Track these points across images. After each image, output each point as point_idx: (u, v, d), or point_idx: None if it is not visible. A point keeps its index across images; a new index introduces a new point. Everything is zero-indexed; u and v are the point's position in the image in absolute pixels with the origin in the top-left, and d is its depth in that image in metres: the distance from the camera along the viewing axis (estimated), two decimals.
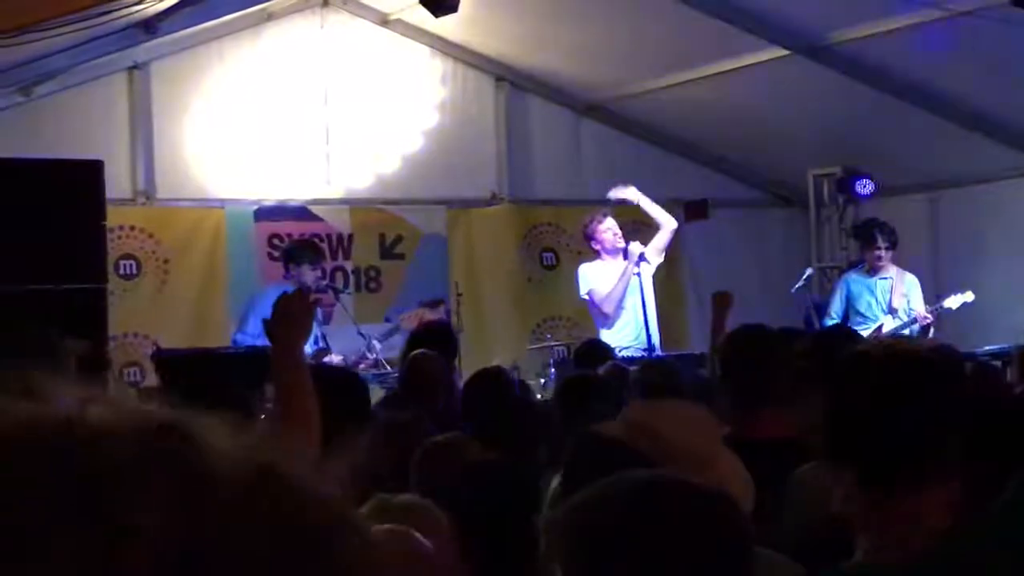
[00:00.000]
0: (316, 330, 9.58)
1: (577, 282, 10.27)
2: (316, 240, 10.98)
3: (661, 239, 10.24)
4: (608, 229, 10.05)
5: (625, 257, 9.90)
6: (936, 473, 2.18)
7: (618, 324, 9.87)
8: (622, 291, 9.82)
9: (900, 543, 2.15)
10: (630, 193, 10.32)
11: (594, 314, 10.14)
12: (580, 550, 1.85)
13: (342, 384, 4.51)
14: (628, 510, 1.85)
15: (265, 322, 3.58)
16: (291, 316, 3.50)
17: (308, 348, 9.18)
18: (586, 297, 10.11)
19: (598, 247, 10.09)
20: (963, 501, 2.19)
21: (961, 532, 2.14)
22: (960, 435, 2.20)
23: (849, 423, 2.24)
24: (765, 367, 4.45)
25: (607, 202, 11.57)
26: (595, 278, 10.04)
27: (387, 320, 10.74)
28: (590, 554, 1.84)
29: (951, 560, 2.12)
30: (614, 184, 10.71)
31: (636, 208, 10.61)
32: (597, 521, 1.85)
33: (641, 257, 9.84)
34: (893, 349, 2.37)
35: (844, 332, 5.90)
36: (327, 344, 9.83)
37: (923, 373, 2.23)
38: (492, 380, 5.59)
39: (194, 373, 5.09)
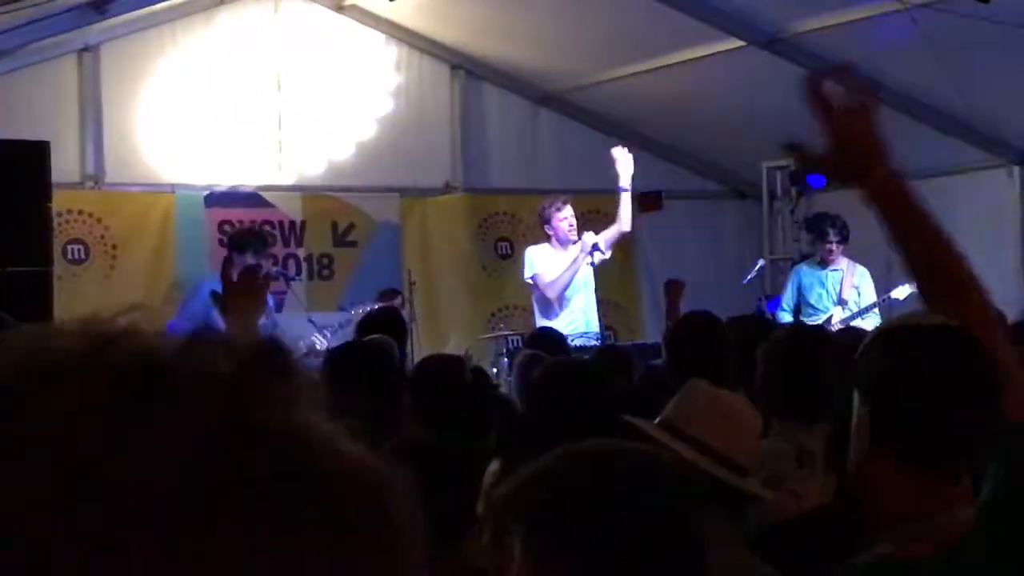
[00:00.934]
0: (269, 317, 9.51)
1: (525, 263, 10.16)
2: (265, 228, 10.86)
3: (610, 233, 10.13)
4: (565, 218, 9.92)
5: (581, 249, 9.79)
6: (970, 463, 2.15)
7: (565, 313, 9.77)
8: (568, 279, 9.71)
9: (937, 534, 2.10)
10: (627, 161, 10.10)
11: (536, 299, 9.98)
12: (543, 522, 1.87)
13: None
14: (586, 478, 1.90)
15: (217, 296, 3.52)
16: (246, 290, 3.50)
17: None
18: (530, 281, 10.00)
19: (551, 232, 9.99)
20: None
21: (984, 524, 2.11)
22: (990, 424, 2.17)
23: (901, 408, 2.16)
24: (712, 351, 4.47)
25: (563, 192, 11.53)
26: (542, 262, 9.88)
27: (341, 309, 10.65)
28: (554, 524, 1.87)
29: (981, 551, 2.09)
30: (569, 174, 10.66)
31: (593, 199, 10.55)
32: (557, 492, 1.89)
33: (595, 247, 9.77)
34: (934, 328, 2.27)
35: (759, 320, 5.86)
36: (279, 329, 9.73)
37: (979, 358, 2.17)
38: (441, 365, 5.54)
39: None
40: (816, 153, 2.51)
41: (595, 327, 9.67)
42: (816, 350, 4.04)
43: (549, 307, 9.85)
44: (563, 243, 9.92)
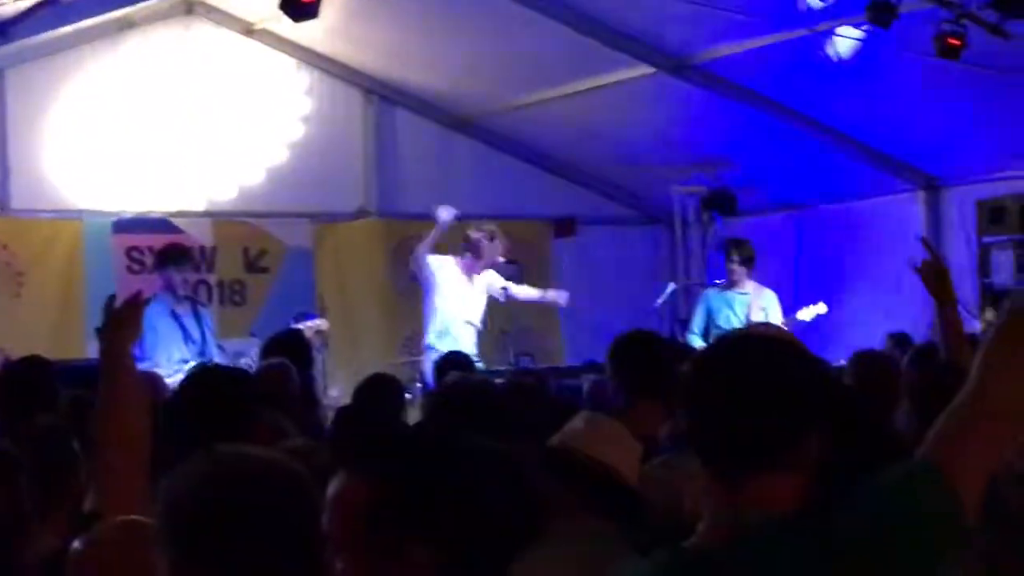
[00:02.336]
0: (203, 339, 9.38)
1: (421, 263, 10.17)
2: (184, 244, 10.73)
3: (528, 294, 10.44)
4: (496, 250, 10.08)
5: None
6: (784, 463, 2.16)
7: (456, 340, 9.86)
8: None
9: (736, 525, 2.13)
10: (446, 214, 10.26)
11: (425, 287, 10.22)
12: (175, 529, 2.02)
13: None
14: (212, 487, 2.03)
15: (98, 330, 3.67)
16: (119, 319, 3.59)
17: (192, 355, 9.02)
18: (428, 270, 10.11)
19: (469, 256, 10.07)
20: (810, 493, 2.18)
21: (792, 517, 2.13)
22: (813, 428, 2.17)
23: (698, 411, 2.23)
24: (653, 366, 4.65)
25: (477, 218, 11.54)
26: (443, 270, 10.07)
27: (253, 335, 10.53)
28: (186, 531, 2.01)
29: (772, 542, 2.10)
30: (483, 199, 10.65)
31: (506, 224, 10.59)
32: (181, 500, 2.03)
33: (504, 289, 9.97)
34: (748, 339, 2.36)
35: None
36: (212, 355, 9.60)
37: (783, 360, 2.23)
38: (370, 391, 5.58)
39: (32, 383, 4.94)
40: None
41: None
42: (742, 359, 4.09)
43: (441, 327, 10.04)
44: (474, 270, 10.03)
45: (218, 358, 8.99)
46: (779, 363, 2.21)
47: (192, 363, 8.73)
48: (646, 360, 4.77)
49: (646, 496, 3.41)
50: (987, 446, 2.22)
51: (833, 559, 2.10)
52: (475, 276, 10.10)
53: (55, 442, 4.07)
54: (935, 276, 4.65)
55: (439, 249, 10.26)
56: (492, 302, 10.29)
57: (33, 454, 4.15)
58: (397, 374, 10.36)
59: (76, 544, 2.39)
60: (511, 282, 10.25)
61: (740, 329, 2.44)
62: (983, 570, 3.09)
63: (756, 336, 2.36)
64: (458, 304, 10.02)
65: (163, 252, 9.83)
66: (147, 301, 3.83)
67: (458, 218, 10.40)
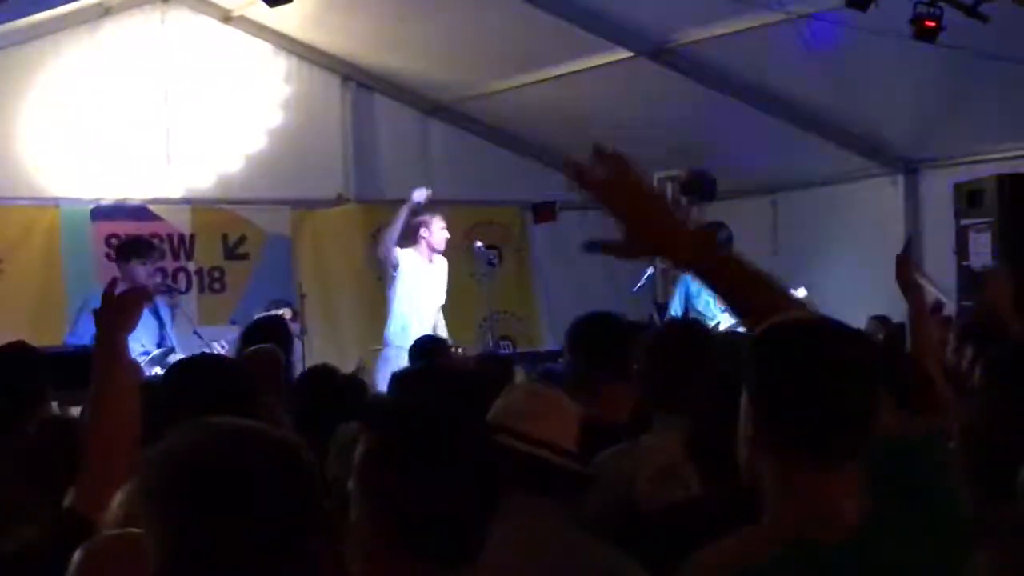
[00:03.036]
0: (162, 329, 9.36)
1: (394, 258, 10.31)
2: (150, 238, 10.68)
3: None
4: (443, 228, 10.30)
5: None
6: (848, 452, 2.18)
7: (421, 323, 10.01)
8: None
9: (832, 521, 2.14)
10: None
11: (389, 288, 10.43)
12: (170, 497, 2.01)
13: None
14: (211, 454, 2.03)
15: (95, 311, 3.59)
16: (119, 305, 3.54)
17: (152, 346, 9.02)
18: (393, 273, 10.33)
19: (425, 236, 10.26)
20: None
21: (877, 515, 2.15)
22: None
23: (779, 401, 2.19)
24: (613, 349, 4.55)
25: (456, 203, 11.58)
26: (405, 262, 10.28)
27: (233, 322, 10.52)
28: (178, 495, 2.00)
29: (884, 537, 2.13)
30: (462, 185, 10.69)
31: (485, 210, 10.64)
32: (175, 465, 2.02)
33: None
34: (825, 325, 2.30)
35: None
36: (172, 344, 9.59)
37: (859, 351, 2.23)
38: (315, 375, 5.54)
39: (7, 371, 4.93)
40: (618, 241, 2.49)
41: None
42: (695, 342, 4.08)
43: (399, 317, 10.26)
44: (430, 251, 10.28)
45: (179, 347, 8.98)
46: (863, 347, 2.23)
47: (153, 353, 8.75)
48: (610, 343, 4.66)
49: (601, 482, 3.41)
50: None
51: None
52: (431, 259, 10.33)
53: (49, 434, 4.06)
54: (903, 267, 4.84)
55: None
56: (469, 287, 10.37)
57: (25, 444, 4.16)
58: (377, 361, 10.48)
59: (77, 554, 2.38)
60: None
61: (802, 314, 2.37)
62: None
63: (827, 321, 2.30)
64: (423, 295, 10.19)
65: (124, 246, 9.75)
66: (149, 295, 3.83)
67: (432, 201, 10.45)
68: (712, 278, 2.45)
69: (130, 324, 3.57)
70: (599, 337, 4.70)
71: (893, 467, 2.23)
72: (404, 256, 10.31)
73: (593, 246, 2.54)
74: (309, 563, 2.00)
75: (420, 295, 10.24)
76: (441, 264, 10.44)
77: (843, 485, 2.16)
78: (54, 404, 5.47)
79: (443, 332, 10.06)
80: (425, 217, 10.34)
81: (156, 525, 2.00)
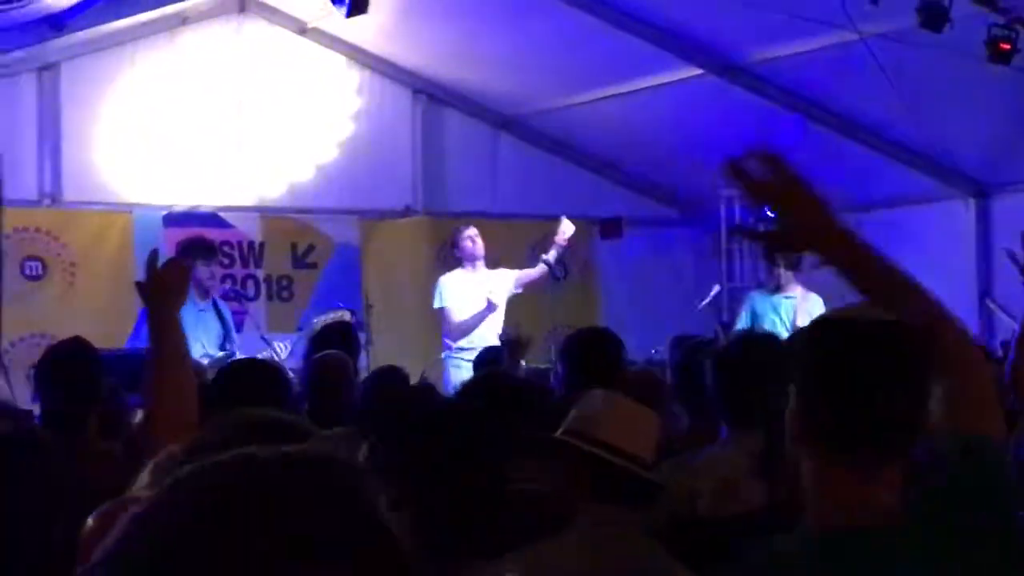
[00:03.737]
0: (225, 333, 9.45)
1: (435, 293, 10.36)
2: (224, 248, 10.78)
3: (531, 275, 10.33)
4: (468, 237, 10.26)
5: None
6: (891, 451, 2.18)
7: (466, 340, 10.01)
8: (470, 327, 10.07)
9: (865, 513, 2.14)
10: (567, 232, 10.29)
11: (444, 330, 10.39)
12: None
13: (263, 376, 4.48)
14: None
15: (139, 284, 3.52)
16: (166, 281, 3.49)
17: (214, 348, 9.12)
18: (438, 308, 10.35)
19: (459, 255, 10.28)
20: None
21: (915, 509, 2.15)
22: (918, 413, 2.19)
23: (827, 399, 2.19)
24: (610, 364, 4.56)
25: (523, 217, 11.62)
26: (452, 292, 10.24)
27: (300, 330, 10.62)
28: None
29: (917, 532, 2.13)
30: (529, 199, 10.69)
31: (552, 224, 10.60)
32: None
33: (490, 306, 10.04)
34: (866, 323, 2.29)
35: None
36: (234, 350, 9.68)
37: (908, 351, 2.22)
38: (384, 377, 5.57)
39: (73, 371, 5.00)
40: (771, 231, 2.52)
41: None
42: (765, 356, 4.05)
43: (451, 335, 10.26)
44: (470, 260, 10.23)
45: (245, 352, 9.04)
46: (907, 346, 2.21)
47: (217, 355, 8.82)
48: (605, 358, 4.75)
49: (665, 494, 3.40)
50: None
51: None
52: (476, 266, 10.26)
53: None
54: None
55: (489, 263, 10.38)
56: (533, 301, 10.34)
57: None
58: (438, 371, 10.53)
59: (89, 519, 2.40)
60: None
61: (844, 312, 2.38)
62: None
63: (870, 319, 2.29)
64: (472, 304, 10.15)
65: (188, 246, 9.78)
66: (190, 268, 3.76)
67: (498, 214, 10.52)
68: (859, 276, 2.47)
69: (178, 297, 3.50)
70: (594, 351, 4.77)
71: (945, 465, 2.24)
72: (448, 284, 10.30)
73: (742, 230, 2.59)
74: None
75: (468, 309, 10.17)
76: (484, 270, 10.29)
77: (883, 481, 2.16)
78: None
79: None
80: (454, 234, 10.39)
81: None
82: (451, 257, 10.57)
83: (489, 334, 10.00)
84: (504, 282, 10.29)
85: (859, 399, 2.15)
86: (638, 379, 5.13)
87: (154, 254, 3.62)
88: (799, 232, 2.46)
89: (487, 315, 10.00)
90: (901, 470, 2.17)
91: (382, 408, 4.87)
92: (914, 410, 2.17)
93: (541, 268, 10.23)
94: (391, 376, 5.57)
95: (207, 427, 2.11)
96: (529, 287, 10.35)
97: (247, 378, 4.31)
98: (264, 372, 4.54)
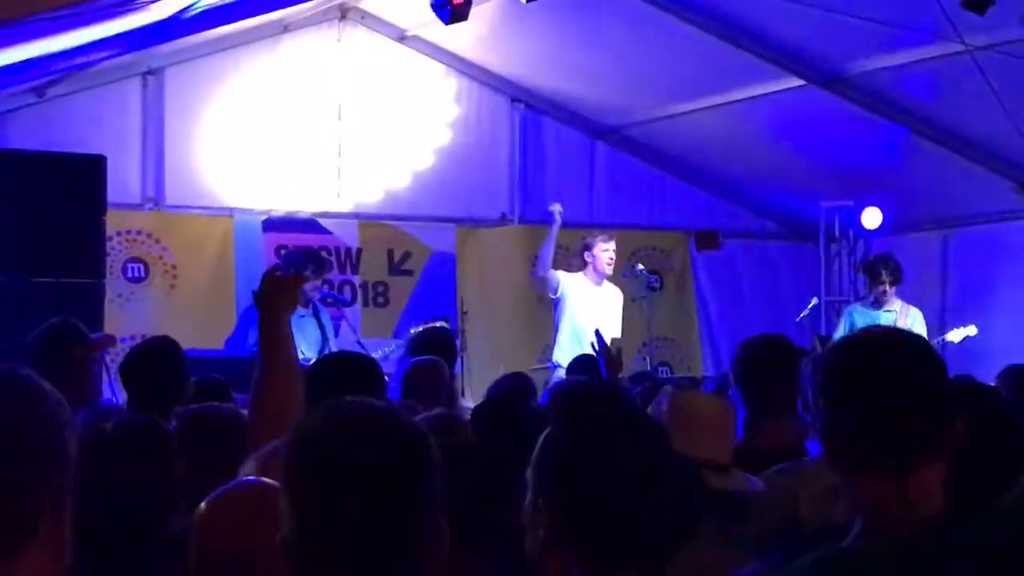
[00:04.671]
0: (324, 339, 9.55)
1: (552, 281, 10.43)
2: (322, 252, 10.88)
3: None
4: (607, 251, 10.25)
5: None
6: (940, 450, 2.18)
7: (582, 348, 9.96)
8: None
9: (899, 525, 2.13)
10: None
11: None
12: None
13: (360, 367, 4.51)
14: None
15: (254, 293, 3.68)
16: (278, 288, 3.63)
17: (313, 354, 9.20)
18: (553, 297, 10.43)
19: (589, 261, 10.30)
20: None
21: (960, 519, 2.13)
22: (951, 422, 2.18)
23: (868, 414, 2.20)
24: (783, 374, 4.43)
25: (619, 228, 11.59)
26: (572, 287, 10.31)
27: (396, 337, 10.68)
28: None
29: (953, 545, 2.09)
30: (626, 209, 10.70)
31: (647, 234, 10.60)
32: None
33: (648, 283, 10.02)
34: (882, 336, 2.34)
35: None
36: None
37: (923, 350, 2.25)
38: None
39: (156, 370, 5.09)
40: None
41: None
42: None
43: (566, 341, 10.25)
44: (598, 275, 10.15)
45: None
46: (924, 354, 2.23)
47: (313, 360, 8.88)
48: (779, 369, 4.51)
49: (765, 499, 3.33)
50: None
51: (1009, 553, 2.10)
52: (601, 284, 10.30)
53: (214, 420, 4.14)
54: None
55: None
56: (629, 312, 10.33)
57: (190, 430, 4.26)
58: (535, 380, 10.53)
59: (201, 505, 2.44)
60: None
61: (864, 331, 2.40)
62: None
63: (885, 332, 2.35)
64: (590, 319, 10.06)
65: (303, 258, 9.91)
66: (305, 278, 3.90)
67: (595, 224, 10.52)
68: None
69: (289, 305, 3.65)
70: (770, 366, 4.53)
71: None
72: (570, 280, 10.33)
73: None
74: (423, 539, 2.02)
75: (587, 319, 10.08)
76: (612, 291, 10.42)
77: (911, 493, 2.15)
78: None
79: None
80: (590, 240, 10.36)
81: (285, 497, 2.05)
82: (575, 264, 10.52)
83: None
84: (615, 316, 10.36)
85: (866, 415, 2.17)
86: None
87: (274, 269, 3.86)
88: None
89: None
90: (938, 482, 2.16)
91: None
92: (925, 419, 2.17)
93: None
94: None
95: (307, 416, 2.12)
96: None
97: (343, 368, 4.34)
98: (359, 363, 4.57)
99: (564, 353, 10.02)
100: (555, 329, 10.44)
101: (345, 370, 4.31)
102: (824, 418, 2.24)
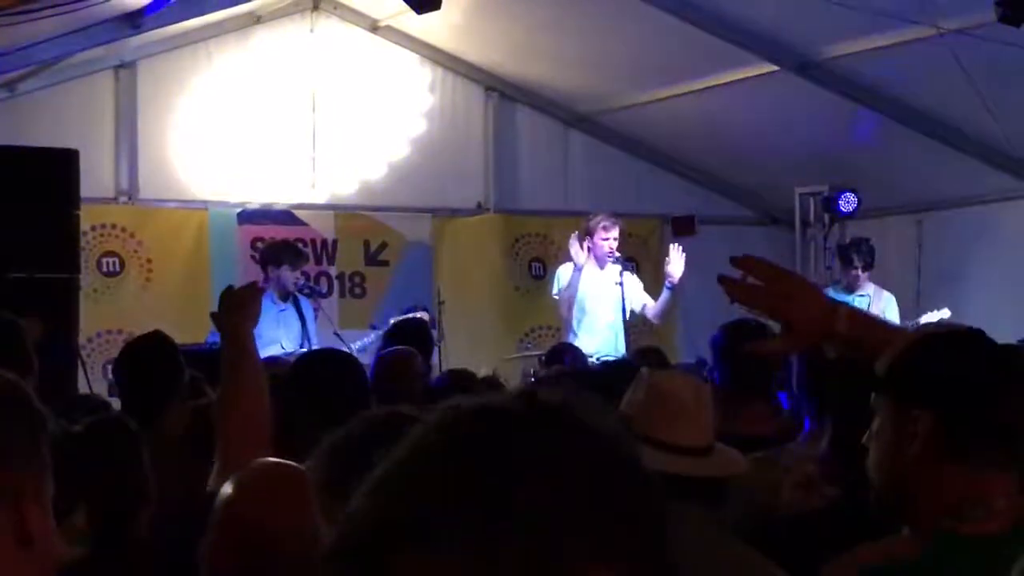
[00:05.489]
0: (304, 331, 9.54)
1: (552, 281, 10.32)
2: (297, 243, 10.87)
3: (649, 306, 10.23)
4: (607, 239, 9.96)
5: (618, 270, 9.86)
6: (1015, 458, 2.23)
7: (590, 335, 9.84)
8: (573, 295, 9.90)
9: (1002, 515, 2.18)
10: (679, 263, 10.10)
11: (563, 318, 10.21)
12: None
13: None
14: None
15: (213, 314, 3.68)
16: (237, 304, 3.61)
17: (293, 347, 9.18)
18: (556, 297, 10.23)
19: (589, 246, 10.00)
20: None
21: None
22: None
23: (969, 410, 2.23)
24: (762, 360, 4.43)
25: (594, 215, 11.54)
26: (573, 279, 10.02)
27: (372, 327, 10.66)
28: None
29: None
30: (601, 197, 10.70)
31: (624, 221, 10.50)
32: None
33: (622, 271, 9.84)
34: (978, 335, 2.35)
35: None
36: (313, 347, 9.74)
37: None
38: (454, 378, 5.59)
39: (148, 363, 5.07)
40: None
41: (622, 349, 9.67)
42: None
43: (567, 324, 10.03)
44: (599, 260, 9.97)
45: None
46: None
47: (297, 354, 8.86)
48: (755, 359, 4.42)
49: (744, 486, 3.31)
50: None
51: None
52: (604, 269, 10.01)
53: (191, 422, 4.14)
54: None
55: (564, 260, 10.29)
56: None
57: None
58: (512, 369, 10.53)
59: (225, 488, 2.42)
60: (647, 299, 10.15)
61: (959, 327, 2.43)
62: None
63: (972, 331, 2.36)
64: (592, 303, 10.00)
65: (275, 251, 9.91)
66: (263, 290, 3.89)
67: (570, 212, 10.42)
68: (869, 352, 2.47)
69: (250, 319, 3.63)
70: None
71: None
72: (565, 273, 10.09)
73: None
74: None
75: (591, 305, 9.98)
76: (615, 272, 9.95)
77: (1000, 487, 2.19)
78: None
79: (621, 346, 9.75)
80: (591, 225, 10.04)
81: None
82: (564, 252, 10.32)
83: (614, 329, 9.86)
84: (636, 298, 10.13)
85: (1006, 408, 2.21)
86: None
87: (229, 288, 3.76)
88: (803, 332, 2.46)
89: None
90: (1019, 479, 2.20)
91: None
92: None
93: (665, 296, 10.08)
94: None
95: (352, 426, 2.15)
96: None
97: (326, 367, 4.34)
98: (339, 363, 4.56)
99: (583, 342, 9.68)
100: (567, 325, 10.22)
101: (327, 371, 4.30)
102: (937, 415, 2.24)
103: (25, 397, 1.60)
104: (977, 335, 2.32)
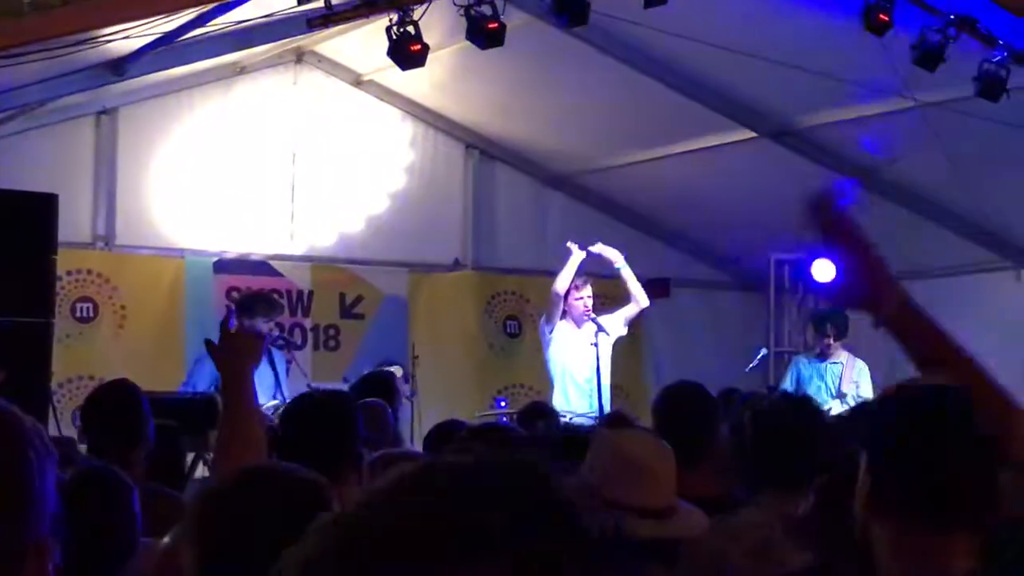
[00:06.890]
0: (277, 383, 9.50)
1: (555, 320, 10.17)
2: (273, 294, 10.84)
3: (630, 311, 10.19)
4: (581, 297, 9.98)
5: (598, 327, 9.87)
6: (965, 517, 2.19)
7: (573, 391, 9.84)
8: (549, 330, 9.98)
9: None
10: (614, 254, 10.14)
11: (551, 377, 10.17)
12: None
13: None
14: None
15: (207, 342, 3.57)
16: (240, 344, 3.55)
17: (266, 399, 9.14)
18: (547, 336, 10.19)
19: (565, 308, 10.01)
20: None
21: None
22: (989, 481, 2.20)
23: (901, 465, 2.21)
24: (703, 422, 4.45)
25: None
26: (559, 332, 10.04)
27: (345, 380, 10.62)
28: None
29: None
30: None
31: (607, 282, 10.54)
32: None
33: (599, 328, 9.82)
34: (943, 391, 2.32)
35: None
36: (285, 399, 9.70)
37: (975, 417, 2.24)
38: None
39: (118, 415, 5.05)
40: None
41: (602, 407, 9.66)
42: (801, 419, 4.01)
43: (558, 385, 10.00)
44: (576, 321, 9.98)
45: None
46: (976, 416, 2.22)
47: (266, 406, 8.82)
48: (700, 416, 4.58)
49: (691, 554, 3.30)
50: None
51: None
52: (584, 325, 9.99)
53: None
54: None
55: (538, 319, 10.28)
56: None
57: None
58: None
59: (164, 538, 2.41)
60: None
61: (922, 381, 2.41)
62: None
63: (946, 387, 2.32)
64: (571, 362, 9.99)
65: (251, 302, 9.85)
66: (263, 335, 3.85)
67: (548, 272, 10.40)
68: (912, 341, 2.48)
69: (254, 360, 3.57)
70: (689, 410, 4.61)
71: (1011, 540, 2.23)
72: (559, 327, 10.10)
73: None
74: None
75: (576, 362, 9.98)
76: (592, 328, 9.94)
77: (957, 549, 2.16)
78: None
79: (602, 404, 9.70)
80: (569, 286, 10.12)
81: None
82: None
83: (593, 388, 9.83)
84: (614, 323, 10.12)
85: (931, 468, 2.17)
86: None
87: (225, 320, 3.71)
88: (857, 289, 2.48)
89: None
90: (978, 541, 2.17)
91: None
92: (984, 478, 2.17)
93: (623, 278, 10.11)
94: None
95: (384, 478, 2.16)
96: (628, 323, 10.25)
97: (318, 413, 4.32)
98: (333, 403, 4.54)
99: (561, 399, 9.79)
100: (550, 381, 10.23)
101: (319, 411, 4.28)
102: (886, 475, 2.22)
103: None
104: (939, 393, 2.27)
